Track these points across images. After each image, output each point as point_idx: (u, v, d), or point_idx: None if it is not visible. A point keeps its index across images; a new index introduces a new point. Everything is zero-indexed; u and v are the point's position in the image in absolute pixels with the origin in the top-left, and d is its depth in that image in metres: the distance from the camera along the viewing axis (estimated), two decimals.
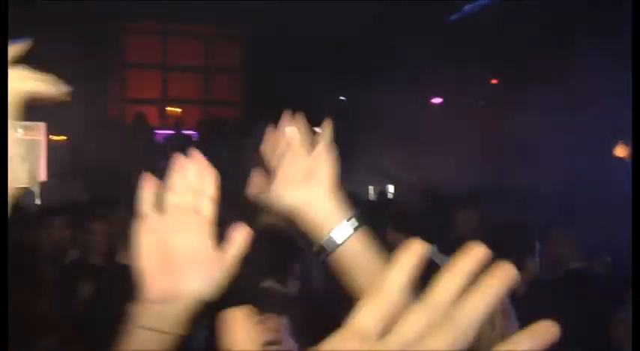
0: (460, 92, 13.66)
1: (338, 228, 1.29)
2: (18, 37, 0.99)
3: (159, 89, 17.12)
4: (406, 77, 12.14)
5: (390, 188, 13.28)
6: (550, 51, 11.49)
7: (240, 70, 17.05)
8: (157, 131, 14.56)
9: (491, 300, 0.58)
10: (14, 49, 0.97)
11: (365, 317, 0.59)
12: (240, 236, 1.15)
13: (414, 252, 0.64)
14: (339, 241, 1.28)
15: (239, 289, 1.37)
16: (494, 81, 14.16)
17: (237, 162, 13.56)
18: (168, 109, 16.60)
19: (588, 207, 5.98)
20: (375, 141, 13.62)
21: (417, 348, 0.56)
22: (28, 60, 1.01)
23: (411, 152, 12.52)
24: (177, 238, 1.09)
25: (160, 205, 1.10)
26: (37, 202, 9.04)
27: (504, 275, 0.59)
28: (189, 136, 14.48)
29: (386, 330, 0.59)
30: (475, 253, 0.62)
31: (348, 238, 1.28)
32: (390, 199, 11.88)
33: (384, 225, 4.67)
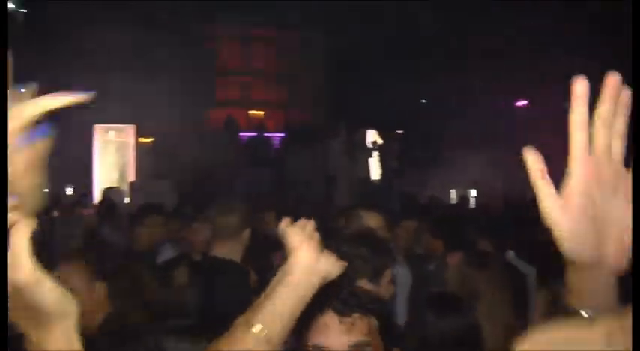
0: (546, 94, 13.25)
1: None
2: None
3: (243, 92, 17.49)
4: (490, 79, 11.89)
5: (472, 192, 13.04)
6: None
7: (323, 74, 17.18)
8: (241, 134, 14.86)
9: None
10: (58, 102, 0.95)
11: None
12: None
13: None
14: None
15: (332, 287, 1.40)
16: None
17: (321, 163, 13.69)
18: (252, 112, 16.93)
19: None
20: (457, 144, 13.41)
21: None
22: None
23: (494, 156, 12.25)
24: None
25: None
26: (126, 200, 9.39)
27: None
28: (271, 138, 14.70)
29: None
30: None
31: None
32: (471, 204, 11.67)
33: (464, 229, 4.58)
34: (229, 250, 3.32)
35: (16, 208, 0.95)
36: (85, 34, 10.26)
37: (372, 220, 3.32)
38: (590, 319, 0.82)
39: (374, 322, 1.55)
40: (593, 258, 0.88)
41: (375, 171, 15.07)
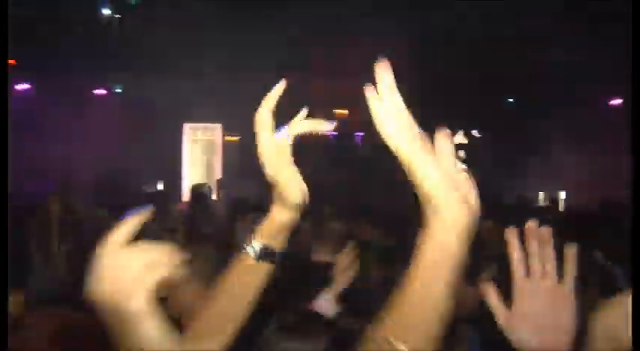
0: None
1: None
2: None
3: (328, 92, 17.62)
4: (577, 77, 11.51)
5: (562, 194, 12.66)
6: None
7: (408, 73, 17.07)
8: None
9: None
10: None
11: None
12: None
13: None
14: None
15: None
16: None
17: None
18: (336, 111, 17.01)
19: None
20: (546, 144, 13.05)
21: None
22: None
23: (585, 157, 11.87)
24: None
25: None
26: (214, 197, 9.66)
27: None
28: (356, 137, 14.75)
29: None
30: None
31: None
32: (560, 206, 11.34)
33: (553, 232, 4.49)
34: (332, 254, 3.32)
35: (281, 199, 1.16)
36: (175, 37, 10.62)
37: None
38: None
39: None
40: None
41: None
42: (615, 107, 13.75)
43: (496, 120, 13.47)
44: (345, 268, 2.85)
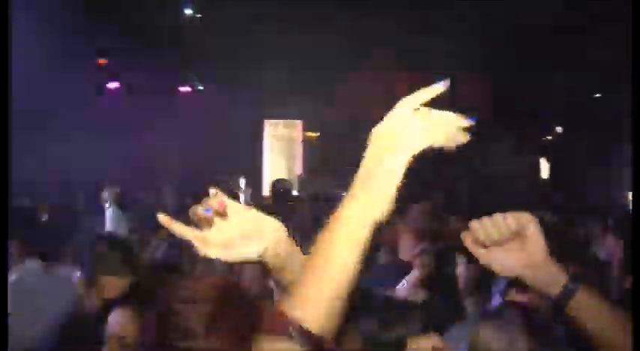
0: None
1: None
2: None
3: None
4: None
5: None
6: None
7: (485, 73, 16.72)
8: None
9: None
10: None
11: None
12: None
13: None
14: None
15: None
16: None
17: (486, 164, 13.35)
18: None
19: None
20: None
21: None
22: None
23: None
24: None
25: None
26: (295, 193, 9.77)
27: None
28: None
29: None
30: None
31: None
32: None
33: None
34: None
35: None
36: (258, 35, 10.82)
37: None
38: None
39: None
40: None
41: (545, 170, 14.52)
42: None
43: (582, 117, 13.10)
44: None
